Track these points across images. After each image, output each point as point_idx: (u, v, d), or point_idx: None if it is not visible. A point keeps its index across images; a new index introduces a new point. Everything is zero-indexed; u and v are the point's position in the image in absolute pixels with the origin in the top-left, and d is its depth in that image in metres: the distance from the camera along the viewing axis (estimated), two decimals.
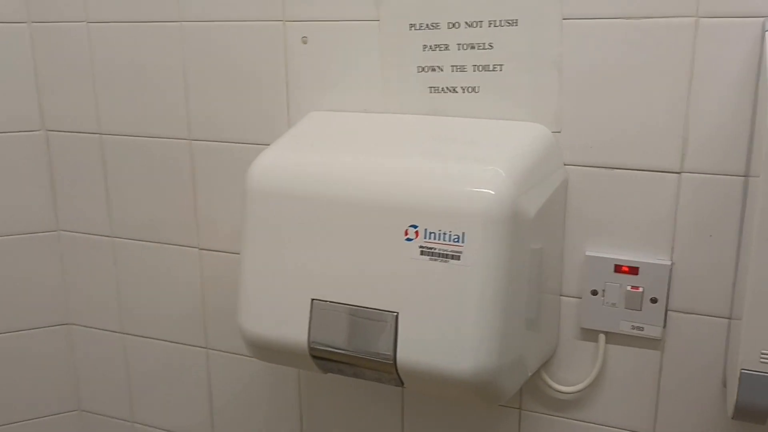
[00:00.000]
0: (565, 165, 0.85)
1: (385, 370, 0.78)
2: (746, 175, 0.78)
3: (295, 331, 0.81)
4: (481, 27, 0.84)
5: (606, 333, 0.88)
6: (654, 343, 0.86)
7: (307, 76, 0.95)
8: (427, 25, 0.87)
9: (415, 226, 0.74)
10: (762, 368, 0.68)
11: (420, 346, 0.76)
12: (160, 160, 1.07)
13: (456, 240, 0.73)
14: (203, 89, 1.02)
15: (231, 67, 0.99)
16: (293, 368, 1.06)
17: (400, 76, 0.90)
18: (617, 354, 0.88)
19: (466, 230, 0.72)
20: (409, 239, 0.75)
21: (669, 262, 0.83)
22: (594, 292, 0.86)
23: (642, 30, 0.78)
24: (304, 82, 0.95)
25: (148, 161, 1.08)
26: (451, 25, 0.86)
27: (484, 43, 0.85)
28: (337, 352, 0.79)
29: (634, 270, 0.84)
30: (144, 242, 1.12)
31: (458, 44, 0.86)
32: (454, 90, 0.88)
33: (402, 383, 0.79)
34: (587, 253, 0.86)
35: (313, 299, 0.80)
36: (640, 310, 0.85)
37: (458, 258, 0.73)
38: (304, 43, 0.94)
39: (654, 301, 0.84)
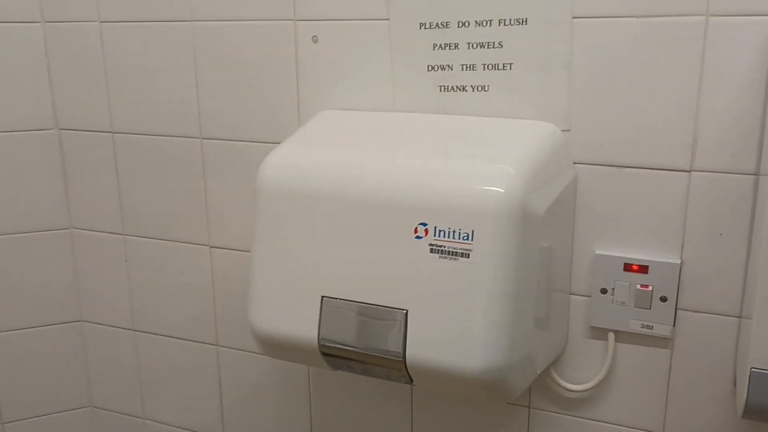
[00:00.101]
0: (574, 163, 0.85)
1: (394, 368, 0.78)
2: (757, 174, 0.78)
3: (305, 328, 0.81)
4: (490, 26, 0.84)
5: (615, 332, 0.88)
6: (663, 342, 0.86)
7: (318, 75, 0.95)
8: (437, 24, 0.87)
9: (424, 224, 0.75)
10: None
11: (429, 344, 0.76)
12: (171, 158, 1.08)
13: (465, 238, 0.73)
14: (214, 88, 1.02)
15: (242, 66, 1.00)
16: (303, 365, 1.07)
17: (410, 75, 0.90)
18: (627, 353, 0.88)
19: (475, 228, 0.73)
20: (418, 237, 0.75)
21: (679, 261, 0.83)
22: (603, 291, 0.86)
23: (652, 28, 0.78)
24: (314, 81, 0.96)
25: (160, 160, 1.09)
26: (461, 24, 0.86)
27: (493, 42, 0.85)
28: (346, 349, 0.80)
29: (643, 268, 0.84)
30: (155, 240, 1.13)
31: (468, 43, 0.86)
32: (463, 89, 0.88)
33: (411, 380, 0.79)
34: (597, 252, 0.86)
35: (323, 296, 0.80)
36: (650, 308, 0.85)
37: (467, 256, 0.73)
38: (315, 42, 0.94)
39: (664, 299, 0.84)
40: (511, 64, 0.85)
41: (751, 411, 0.71)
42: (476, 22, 0.85)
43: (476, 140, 0.85)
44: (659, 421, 0.89)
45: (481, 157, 0.79)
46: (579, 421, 0.93)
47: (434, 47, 0.88)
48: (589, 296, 0.88)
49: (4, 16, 1.08)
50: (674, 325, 0.85)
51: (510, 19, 0.83)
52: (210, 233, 1.09)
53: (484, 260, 0.73)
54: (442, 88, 0.89)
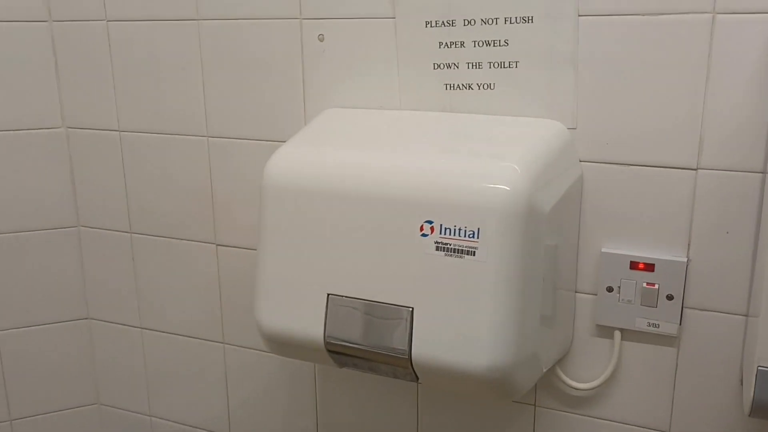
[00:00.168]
0: (580, 161, 0.85)
1: (400, 365, 0.78)
2: (764, 172, 0.78)
3: (311, 325, 0.81)
4: (496, 24, 0.84)
5: (621, 330, 0.87)
6: (670, 340, 0.86)
7: (324, 74, 0.96)
8: (442, 22, 0.87)
9: (430, 222, 0.75)
10: None
11: (435, 342, 0.76)
12: (178, 156, 1.08)
13: (471, 236, 0.73)
14: (220, 87, 1.03)
15: (248, 64, 1.00)
16: (309, 363, 1.07)
17: (416, 73, 0.90)
18: (633, 351, 0.88)
19: (481, 226, 0.73)
20: (424, 235, 0.75)
21: (685, 259, 0.83)
22: (609, 289, 0.86)
23: (658, 26, 0.78)
24: (320, 80, 0.96)
25: (167, 158, 1.09)
26: (466, 22, 0.86)
27: (499, 40, 0.85)
28: (352, 347, 0.80)
29: (649, 267, 0.84)
30: (162, 238, 1.14)
31: (474, 41, 0.86)
32: (469, 87, 0.88)
33: (417, 378, 0.80)
34: (603, 250, 0.86)
35: (329, 294, 0.80)
36: (656, 307, 0.84)
37: (473, 254, 0.73)
38: (321, 40, 0.95)
39: (670, 298, 0.84)
40: (516, 62, 0.85)
41: (757, 409, 0.70)
42: (482, 20, 0.85)
43: (482, 138, 0.85)
44: (665, 419, 0.89)
45: (486, 155, 0.79)
46: (585, 420, 0.93)
47: (440, 45, 0.88)
48: (595, 294, 0.88)
49: (11, 15, 1.09)
50: (680, 324, 0.85)
51: (516, 17, 0.83)
52: (216, 231, 1.09)
53: (489, 258, 0.73)
54: (448, 86, 0.89)
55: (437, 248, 0.75)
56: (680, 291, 0.83)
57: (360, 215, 0.78)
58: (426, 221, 0.75)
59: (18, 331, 1.20)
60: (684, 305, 0.84)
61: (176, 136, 1.08)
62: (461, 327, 0.75)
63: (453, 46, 0.87)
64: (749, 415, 0.71)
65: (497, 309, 0.74)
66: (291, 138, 0.89)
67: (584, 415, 0.93)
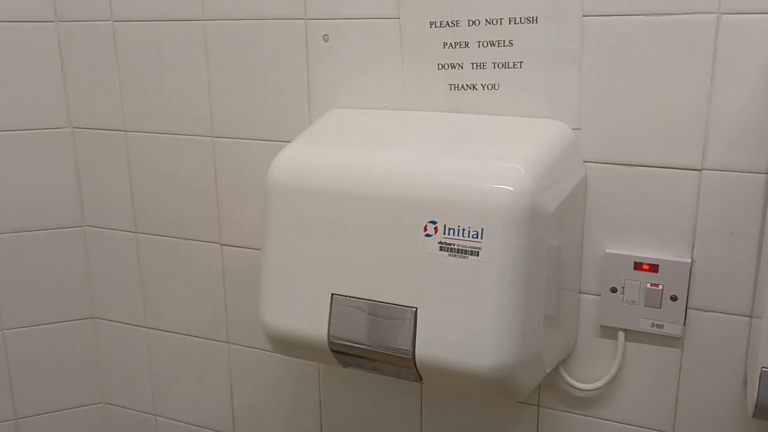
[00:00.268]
0: (584, 162, 0.85)
1: (403, 365, 0.79)
2: None
3: (315, 325, 0.81)
4: (501, 24, 0.84)
5: (625, 330, 0.87)
6: (674, 341, 0.86)
7: (328, 74, 0.96)
8: (447, 22, 0.87)
9: (434, 222, 0.75)
10: None
11: (439, 342, 0.76)
12: (183, 156, 1.09)
13: (475, 236, 0.73)
14: (226, 87, 1.03)
15: (253, 65, 1.00)
16: (313, 362, 1.07)
17: (421, 73, 0.90)
18: (636, 352, 0.88)
19: (485, 226, 0.73)
20: (428, 235, 0.75)
21: (689, 260, 0.83)
22: (613, 290, 0.86)
23: (663, 26, 0.78)
24: (325, 80, 0.96)
25: (172, 158, 1.10)
26: (471, 23, 0.86)
27: (504, 41, 0.85)
28: (356, 347, 0.80)
29: (653, 267, 0.84)
30: (167, 238, 1.14)
31: (478, 42, 0.86)
32: (474, 87, 0.88)
33: (420, 378, 0.80)
34: (607, 250, 0.86)
35: (333, 294, 0.81)
36: (660, 307, 0.84)
37: (477, 254, 0.73)
38: (326, 41, 0.95)
39: (674, 298, 0.84)
40: (521, 62, 0.85)
41: (761, 411, 0.70)
42: (486, 20, 0.85)
43: (486, 138, 0.85)
44: (669, 420, 0.89)
45: (490, 156, 0.80)
46: (588, 420, 0.93)
47: (444, 46, 0.88)
48: (599, 295, 0.88)
49: (18, 16, 1.09)
50: (684, 325, 0.85)
51: (520, 18, 0.83)
52: (221, 231, 1.09)
53: (493, 258, 0.73)
54: (453, 86, 0.89)
55: (441, 248, 0.75)
56: (684, 292, 0.83)
57: (364, 215, 0.79)
58: (430, 221, 0.75)
59: (24, 330, 1.21)
60: (688, 306, 0.84)
61: (181, 136, 1.08)
62: (465, 327, 0.75)
63: (457, 46, 0.87)
64: (753, 417, 0.71)
65: (501, 309, 0.74)
66: (296, 138, 0.89)
67: (588, 416, 0.93)
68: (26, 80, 1.12)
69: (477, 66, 0.87)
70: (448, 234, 0.74)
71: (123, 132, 1.12)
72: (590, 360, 0.91)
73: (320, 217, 0.81)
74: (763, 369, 0.69)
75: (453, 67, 0.88)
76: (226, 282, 1.11)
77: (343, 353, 0.82)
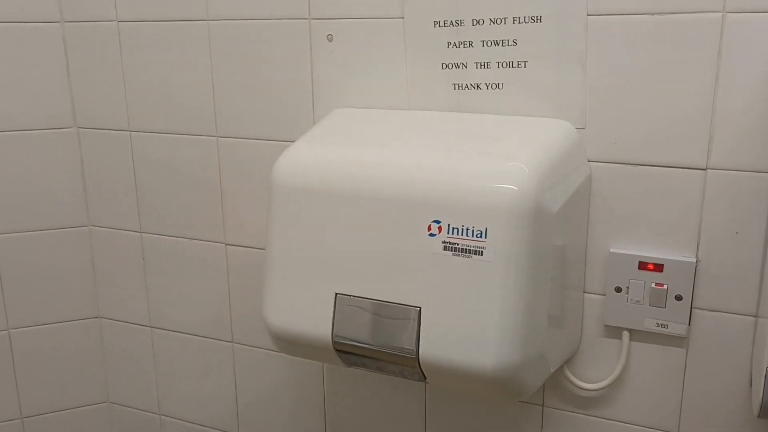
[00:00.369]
0: (589, 161, 0.85)
1: (407, 365, 0.79)
2: None
3: (319, 325, 0.82)
4: (505, 24, 0.84)
5: (630, 330, 0.87)
6: (679, 341, 0.86)
7: (332, 74, 0.96)
8: (451, 22, 0.87)
9: (438, 222, 0.75)
10: None
11: (442, 341, 0.76)
12: (187, 156, 1.09)
13: (479, 235, 0.73)
14: (230, 87, 1.03)
15: (257, 64, 1.00)
16: (317, 362, 1.07)
17: (425, 73, 0.90)
18: (641, 351, 0.88)
19: (489, 226, 0.73)
20: (432, 234, 0.75)
21: (694, 260, 0.82)
22: (618, 289, 0.86)
23: (668, 26, 0.78)
24: (329, 80, 0.96)
25: (177, 158, 1.10)
26: (475, 22, 0.86)
27: (508, 40, 0.85)
28: (360, 346, 0.80)
29: (658, 267, 0.83)
30: (172, 237, 1.14)
31: (482, 41, 0.86)
32: (478, 87, 0.88)
33: (424, 378, 0.80)
34: (611, 250, 0.86)
35: (337, 293, 0.81)
36: (665, 307, 0.84)
37: (481, 253, 0.73)
38: (330, 40, 0.95)
39: (679, 298, 0.83)
40: (525, 61, 0.85)
41: (767, 411, 0.70)
42: (490, 20, 0.85)
43: (490, 138, 0.85)
44: (674, 420, 0.89)
45: (494, 155, 0.79)
46: (593, 420, 0.93)
47: (448, 45, 0.88)
48: (604, 295, 0.88)
49: (23, 16, 1.10)
50: (689, 324, 0.84)
51: (524, 17, 0.83)
52: (226, 231, 1.10)
53: (497, 258, 0.73)
54: (457, 86, 0.89)
55: (445, 248, 0.75)
56: (689, 291, 0.83)
57: (368, 214, 0.79)
58: (434, 221, 0.75)
59: (29, 329, 1.21)
60: (693, 306, 0.84)
61: (186, 135, 1.08)
62: (469, 327, 0.75)
63: (461, 45, 0.87)
64: (758, 417, 0.71)
65: (505, 309, 0.73)
66: (300, 138, 0.89)
67: (592, 416, 0.93)
68: (31, 80, 1.12)
69: (481, 65, 0.87)
70: (452, 233, 0.74)
71: (128, 132, 1.13)
72: (595, 360, 0.91)
73: (324, 216, 0.81)
74: None
75: (457, 66, 0.88)
76: (230, 282, 1.12)
77: (346, 353, 0.82)
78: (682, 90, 0.79)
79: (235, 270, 1.11)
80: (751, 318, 0.82)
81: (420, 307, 0.76)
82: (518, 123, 0.86)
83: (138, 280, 1.19)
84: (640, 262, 0.84)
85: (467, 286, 0.74)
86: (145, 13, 1.05)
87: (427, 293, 0.76)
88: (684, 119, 0.80)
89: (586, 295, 0.89)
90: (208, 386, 1.19)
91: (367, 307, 0.79)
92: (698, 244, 0.82)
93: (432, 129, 0.88)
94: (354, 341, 0.80)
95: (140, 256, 1.18)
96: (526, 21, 0.83)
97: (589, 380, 0.91)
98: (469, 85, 0.89)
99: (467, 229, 0.74)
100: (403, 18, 0.90)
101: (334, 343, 0.81)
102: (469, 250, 0.74)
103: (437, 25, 0.88)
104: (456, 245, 0.74)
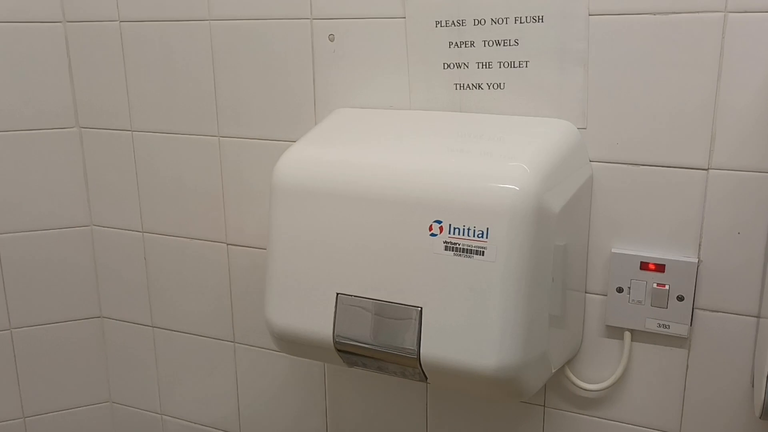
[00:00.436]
0: (590, 161, 0.85)
1: (408, 365, 0.79)
2: None
3: (320, 324, 0.82)
4: (506, 24, 0.84)
5: (631, 331, 0.87)
6: (680, 342, 0.86)
7: (334, 74, 0.96)
8: (453, 22, 0.87)
9: (439, 222, 0.75)
10: None
11: (444, 341, 0.76)
12: (189, 156, 1.09)
13: (480, 235, 0.73)
14: (232, 87, 1.03)
15: (259, 64, 1.00)
16: (319, 362, 1.07)
17: (426, 72, 0.90)
18: (643, 352, 0.88)
19: (490, 226, 0.73)
20: (433, 234, 0.75)
21: (696, 260, 0.82)
22: (619, 290, 0.86)
23: (669, 25, 0.78)
24: (330, 79, 0.96)
25: (178, 158, 1.10)
26: (476, 22, 0.86)
27: (509, 40, 0.85)
28: (361, 346, 0.80)
29: (660, 267, 0.83)
30: (174, 237, 1.14)
31: (484, 41, 0.86)
32: (479, 87, 0.88)
33: (426, 378, 0.80)
34: (613, 250, 0.86)
35: (338, 293, 0.81)
36: (666, 308, 0.84)
37: (482, 253, 0.73)
38: (331, 40, 0.95)
39: (680, 299, 0.83)
40: (527, 61, 0.85)
41: None
42: (492, 19, 0.85)
43: (492, 138, 0.85)
44: (675, 421, 0.89)
45: (496, 155, 0.79)
46: (594, 421, 0.93)
47: (450, 45, 0.88)
48: (605, 295, 0.88)
49: (26, 16, 1.10)
50: (691, 325, 0.84)
51: (526, 17, 0.83)
52: (227, 231, 1.10)
53: (498, 258, 0.73)
54: (458, 86, 0.89)
55: (446, 248, 0.75)
56: (691, 292, 0.83)
57: (369, 215, 0.79)
58: (435, 221, 0.75)
59: (31, 329, 1.21)
60: (695, 306, 0.84)
61: (188, 135, 1.08)
62: (470, 327, 0.75)
63: (463, 45, 0.87)
64: (760, 417, 0.71)
65: (506, 309, 0.73)
66: (301, 138, 0.89)
67: (594, 416, 0.93)
68: (34, 80, 1.12)
69: (483, 65, 0.87)
70: (454, 233, 0.74)
71: (130, 132, 1.13)
72: (596, 360, 0.91)
73: (326, 216, 0.81)
74: None
75: (459, 66, 0.88)
76: (232, 281, 1.12)
77: (348, 353, 0.82)
78: (684, 90, 0.79)
79: (237, 270, 1.11)
80: (753, 318, 0.82)
81: (421, 307, 0.76)
82: (520, 123, 0.86)
83: (140, 279, 1.19)
84: (641, 263, 0.84)
85: (468, 286, 0.74)
86: (147, 13, 1.06)
87: (429, 293, 0.76)
88: (686, 119, 0.80)
89: (587, 295, 0.89)
90: (210, 386, 1.20)
91: (369, 307, 0.79)
92: (700, 245, 0.82)
93: (433, 129, 0.88)
94: (355, 341, 0.80)
95: (142, 256, 1.18)
96: (528, 21, 0.83)
97: (590, 381, 0.91)
98: (470, 85, 0.88)
99: (469, 229, 0.74)
100: (404, 18, 0.90)
101: (335, 343, 0.81)
102: (471, 250, 0.74)
103: (439, 25, 0.88)
104: (457, 245, 0.74)
